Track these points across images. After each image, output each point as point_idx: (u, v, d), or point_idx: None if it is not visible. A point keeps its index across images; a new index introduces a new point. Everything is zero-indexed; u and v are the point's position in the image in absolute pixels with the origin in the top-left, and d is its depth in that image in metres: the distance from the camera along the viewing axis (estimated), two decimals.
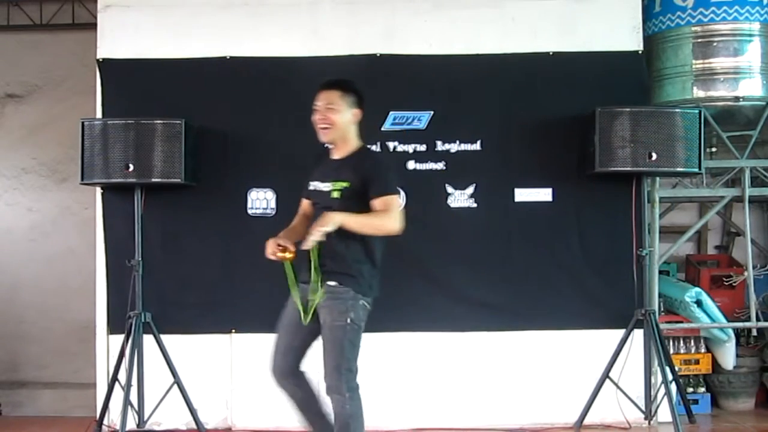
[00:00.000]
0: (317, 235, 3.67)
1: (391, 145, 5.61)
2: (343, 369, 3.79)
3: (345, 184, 3.82)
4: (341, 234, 3.74)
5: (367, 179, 3.81)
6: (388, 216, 3.79)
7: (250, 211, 5.58)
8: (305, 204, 4.10)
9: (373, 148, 5.57)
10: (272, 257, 3.80)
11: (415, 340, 5.57)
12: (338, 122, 3.91)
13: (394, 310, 5.51)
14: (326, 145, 4.03)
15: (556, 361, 5.56)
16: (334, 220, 3.69)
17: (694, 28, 5.77)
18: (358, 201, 3.80)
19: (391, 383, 5.55)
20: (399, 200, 3.89)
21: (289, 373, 3.91)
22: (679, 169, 5.40)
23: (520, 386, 5.56)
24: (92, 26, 5.86)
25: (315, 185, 3.98)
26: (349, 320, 3.81)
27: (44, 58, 7.07)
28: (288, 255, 3.79)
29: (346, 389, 3.78)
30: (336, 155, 3.98)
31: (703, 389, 6.05)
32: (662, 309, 5.89)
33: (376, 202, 3.79)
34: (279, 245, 3.79)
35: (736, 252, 6.74)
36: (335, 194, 3.83)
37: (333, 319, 3.80)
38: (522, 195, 5.60)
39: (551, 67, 5.63)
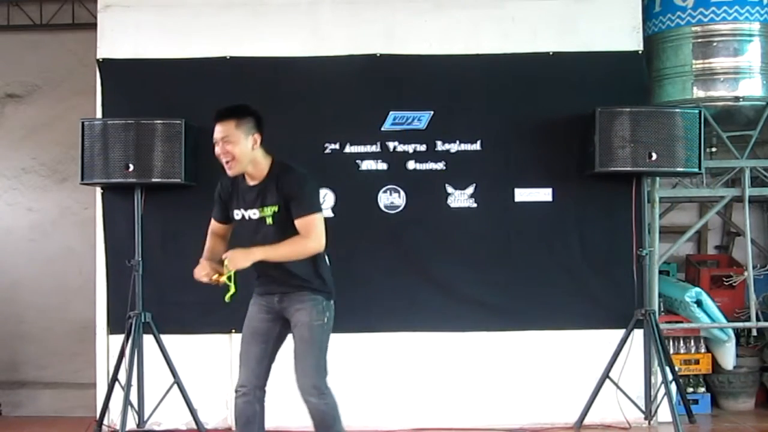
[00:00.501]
0: (232, 268, 3.70)
1: (391, 145, 5.61)
2: (321, 368, 3.80)
3: (274, 209, 3.79)
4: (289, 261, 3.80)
5: (288, 198, 3.78)
6: (308, 239, 3.76)
7: None
8: (217, 226, 4.03)
9: (373, 148, 5.60)
10: (205, 279, 3.77)
11: (415, 340, 5.57)
12: (239, 154, 3.79)
13: (394, 310, 5.54)
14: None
15: (556, 361, 5.56)
16: (252, 257, 3.71)
17: (694, 28, 5.77)
18: (291, 221, 3.78)
19: (391, 383, 5.55)
20: (320, 216, 3.82)
21: (260, 386, 3.87)
22: (679, 169, 5.41)
23: (520, 386, 5.56)
24: (92, 26, 5.87)
25: (241, 214, 3.89)
26: (326, 319, 3.85)
27: (44, 58, 7.07)
28: (222, 279, 3.76)
29: (324, 387, 3.79)
30: (252, 181, 3.88)
31: (703, 389, 6.04)
32: (662, 309, 5.89)
33: (298, 224, 3.77)
34: (214, 271, 3.78)
35: (736, 252, 6.74)
36: (269, 221, 3.80)
37: (312, 318, 3.81)
38: (522, 195, 5.60)
39: (551, 67, 5.63)
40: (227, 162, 3.82)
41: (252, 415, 3.86)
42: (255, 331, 3.91)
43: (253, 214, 3.84)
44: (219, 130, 3.83)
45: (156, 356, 5.20)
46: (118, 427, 5.12)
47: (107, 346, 5.56)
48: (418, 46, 5.64)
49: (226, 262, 3.71)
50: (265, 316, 3.91)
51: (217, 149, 3.84)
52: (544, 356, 5.57)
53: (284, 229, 3.77)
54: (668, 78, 5.86)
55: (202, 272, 3.80)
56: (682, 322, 5.91)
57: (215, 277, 3.78)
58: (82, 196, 6.39)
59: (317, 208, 3.82)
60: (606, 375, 5.26)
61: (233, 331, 5.54)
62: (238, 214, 3.91)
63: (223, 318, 5.54)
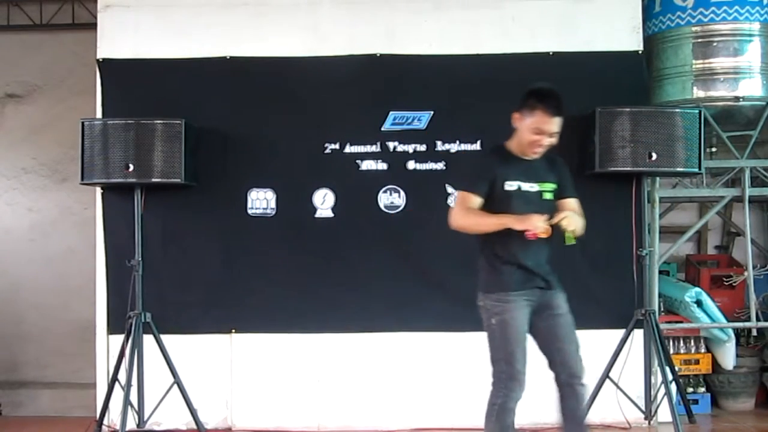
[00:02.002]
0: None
1: (391, 145, 5.61)
2: None
3: (554, 186, 3.95)
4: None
5: (561, 179, 3.99)
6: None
7: (250, 211, 5.58)
8: (477, 202, 3.90)
9: (373, 148, 5.61)
10: (539, 228, 3.77)
11: (415, 340, 5.57)
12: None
13: (394, 310, 5.53)
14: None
15: None
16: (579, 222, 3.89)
17: (694, 28, 5.77)
18: (556, 201, 3.97)
19: (391, 383, 5.55)
20: None
21: None
22: (679, 169, 5.40)
23: None
24: (92, 26, 5.87)
25: (518, 185, 3.89)
26: None
27: (44, 58, 7.07)
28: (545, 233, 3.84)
29: None
30: (526, 156, 3.94)
31: (703, 389, 6.05)
32: (662, 309, 5.89)
33: (573, 203, 3.98)
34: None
35: (736, 252, 6.74)
36: (547, 195, 3.94)
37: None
38: None
39: (551, 67, 5.62)
40: (541, 148, 3.88)
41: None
42: (524, 331, 4.02)
43: (531, 187, 3.90)
44: (556, 124, 3.86)
45: (156, 356, 5.20)
46: (118, 427, 5.12)
47: (107, 346, 5.56)
48: (418, 46, 5.64)
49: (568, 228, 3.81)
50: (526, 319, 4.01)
51: (544, 141, 3.86)
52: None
53: (554, 206, 3.91)
54: (668, 78, 5.86)
55: (543, 225, 3.77)
56: (682, 322, 5.91)
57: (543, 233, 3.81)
58: (82, 196, 6.39)
59: None
60: (606, 375, 5.26)
61: (233, 331, 5.56)
62: (512, 185, 3.90)
63: (223, 318, 5.57)
